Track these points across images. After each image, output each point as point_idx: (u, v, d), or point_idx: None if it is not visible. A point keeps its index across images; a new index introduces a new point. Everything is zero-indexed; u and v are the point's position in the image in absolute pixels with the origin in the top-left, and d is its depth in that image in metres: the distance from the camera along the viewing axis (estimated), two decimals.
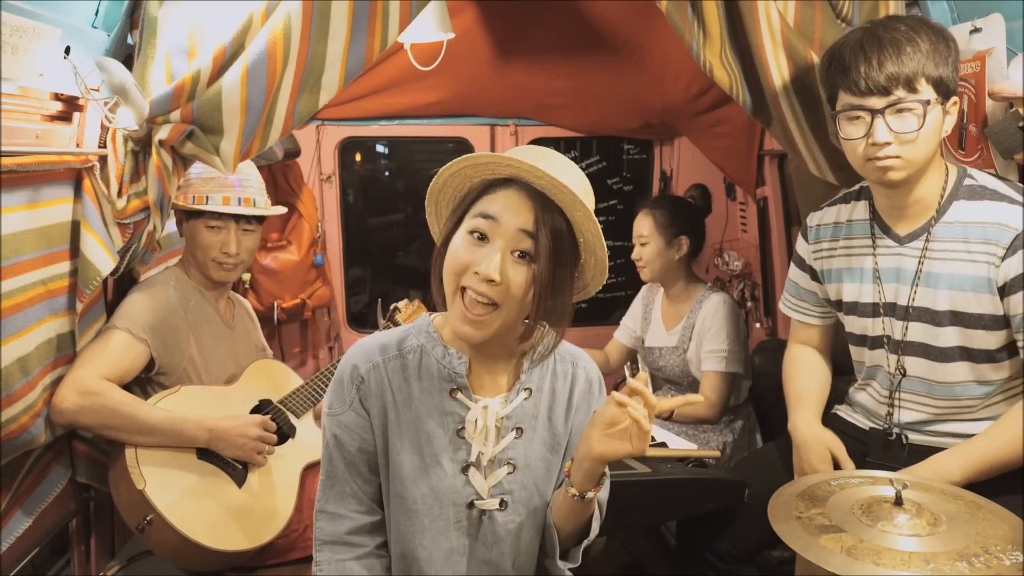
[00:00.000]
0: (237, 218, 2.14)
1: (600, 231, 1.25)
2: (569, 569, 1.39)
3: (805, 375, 1.99)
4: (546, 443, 1.35)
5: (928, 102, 1.57)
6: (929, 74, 1.57)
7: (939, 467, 1.65)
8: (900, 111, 1.58)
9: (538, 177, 1.21)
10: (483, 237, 1.22)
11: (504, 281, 1.21)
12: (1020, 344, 1.64)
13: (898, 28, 1.60)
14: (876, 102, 1.59)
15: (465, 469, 1.31)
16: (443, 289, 1.28)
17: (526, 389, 1.33)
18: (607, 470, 1.30)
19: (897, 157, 1.61)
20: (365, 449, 1.33)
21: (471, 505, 1.32)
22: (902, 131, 1.59)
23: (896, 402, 1.80)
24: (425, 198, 1.33)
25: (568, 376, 1.37)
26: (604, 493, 1.37)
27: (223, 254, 2.14)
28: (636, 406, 1.16)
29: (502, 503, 1.32)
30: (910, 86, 1.57)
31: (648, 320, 2.84)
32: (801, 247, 1.96)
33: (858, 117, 1.62)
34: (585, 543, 1.38)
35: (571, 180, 1.22)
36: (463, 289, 1.23)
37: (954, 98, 1.63)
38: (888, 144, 1.60)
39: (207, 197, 2.11)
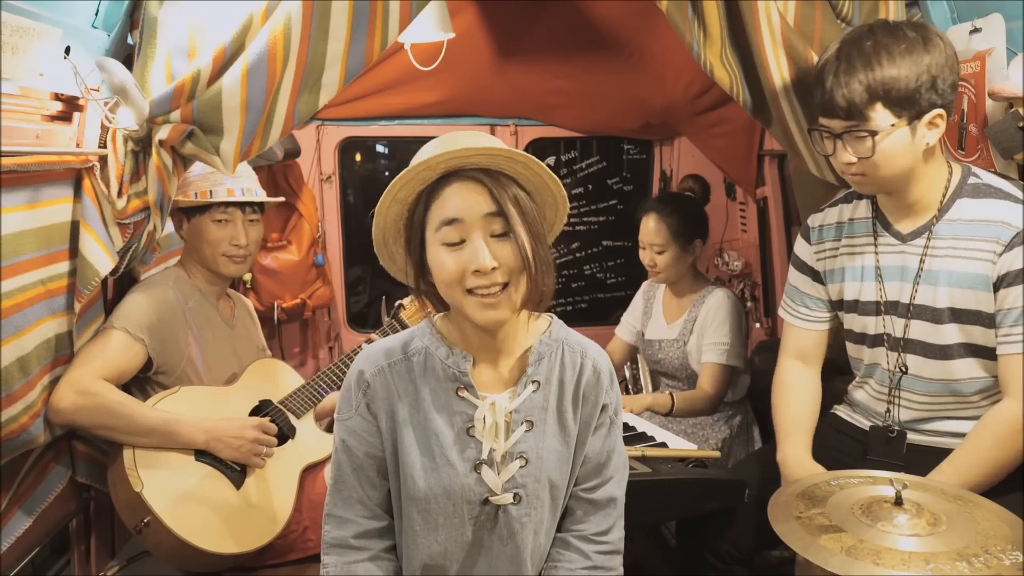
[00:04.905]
0: (243, 209, 2.17)
1: (546, 168, 1.27)
2: None
3: (798, 403, 1.91)
4: (557, 435, 1.35)
5: (876, 132, 1.58)
6: (893, 96, 1.56)
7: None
8: (858, 137, 1.61)
9: (469, 155, 1.22)
10: (457, 241, 1.24)
11: (501, 262, 1.23)
12: (997, 339, 1.63)
13: (873, 41, 1.58)
14: (836, 125, 1.64)
15: (477, 467, 1.31)
16: (439, 304, 1.32)
17: (534, 382, 1.34)
18: None
19: (863, 174, 1.66)
20: (373, 454, 1.35)
21: (486, 502, 1.32)
22: (859, 155, 1.63)
23: (895, 400, 1.79)
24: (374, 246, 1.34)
25: (576, 366, 1.37)
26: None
27: (234, 247, 2.16)
28: None
29: (516, 497, 1.32)
30: (861, 115, 1.58)
31: (649, 315, 2.85)
32: (802, 249, 1.94)
33: (827, 135, 1.67)
34: None
35: (496, 142, 1.25)
36: (469, 291, 1.25)
37: (938, 111, 1.58)
38: (852, 163, 1.65)
39: (210, 191, 2.12)
